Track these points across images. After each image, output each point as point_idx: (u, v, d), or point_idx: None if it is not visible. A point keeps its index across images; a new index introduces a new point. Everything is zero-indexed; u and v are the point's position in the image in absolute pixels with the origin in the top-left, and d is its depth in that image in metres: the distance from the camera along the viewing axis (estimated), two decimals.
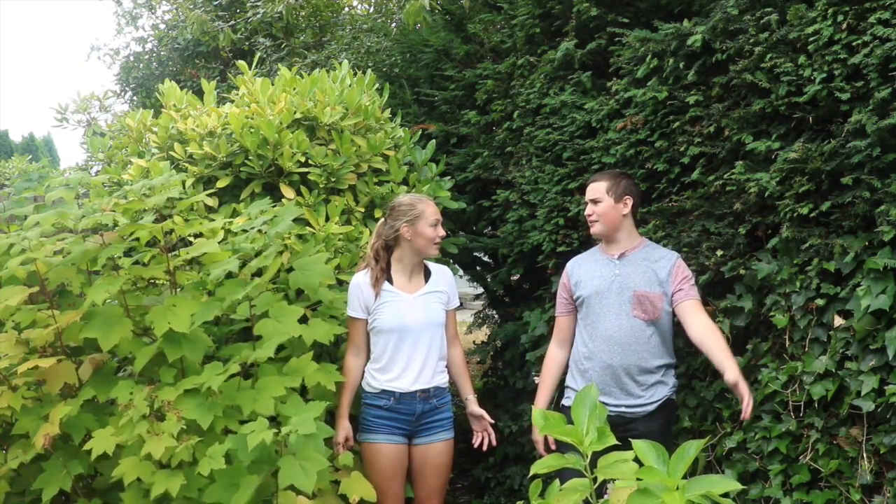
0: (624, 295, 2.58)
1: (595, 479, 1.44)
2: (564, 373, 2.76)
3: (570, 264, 2.79)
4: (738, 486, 1.30)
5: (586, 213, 2.68)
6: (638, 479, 1.36)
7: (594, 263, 2.70)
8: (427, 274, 2.74)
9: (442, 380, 2.70)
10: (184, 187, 3.01)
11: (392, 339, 2.61)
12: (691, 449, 1.35)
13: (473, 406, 2.77)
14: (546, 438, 2.66)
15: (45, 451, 2.20)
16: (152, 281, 2.71)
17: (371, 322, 2.64)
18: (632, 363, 2.55)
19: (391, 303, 2.62)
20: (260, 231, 2.54)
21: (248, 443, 2.07)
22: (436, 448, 2.67)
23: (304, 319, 2.77)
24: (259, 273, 2.55)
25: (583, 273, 2.70)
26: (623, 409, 2.54)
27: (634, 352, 2.55)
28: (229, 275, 2.42)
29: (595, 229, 2.66)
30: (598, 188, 2.64)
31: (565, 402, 2.73)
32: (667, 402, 2.61)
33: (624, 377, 2.56)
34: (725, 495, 1.33)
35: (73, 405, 2.23)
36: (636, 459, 1.42)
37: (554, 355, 2.78)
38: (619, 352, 2.55)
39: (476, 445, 2.77)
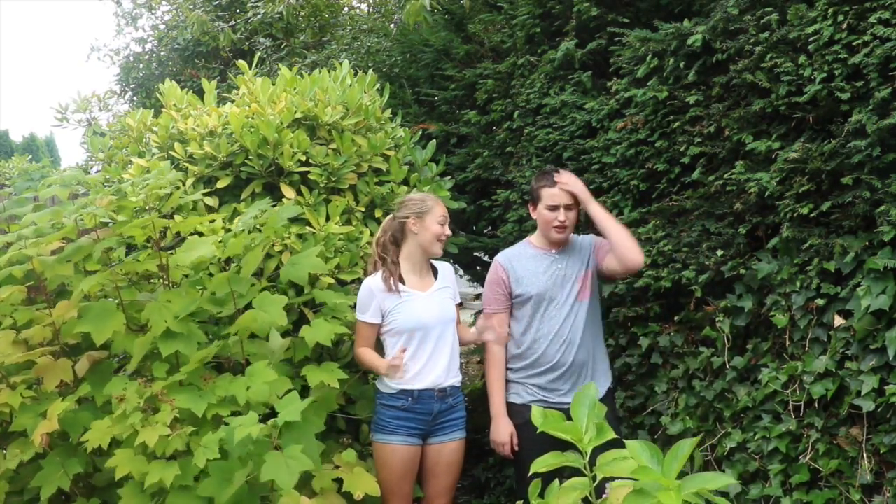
0: (567, 286, 2.62)
1: (594, 478, 1.44)
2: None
3: (503, 260, 2.71)
4: (732, 481, 1.31)
5: (560, 219, 2.58)
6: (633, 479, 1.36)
7: (532, 260, 2.67)
8: (434, 272, 2.75)
9: (457, 379, 2.70)
10: (183, 184, 3.01)
11: (415, 337, 2.61)
12: (685, 447, 1.35)
13: (475, 331, 2.72)
14: (512, 441, 2.65)
15: (44, 449, 2.20)
16: (148, 278, 2.70)
17: (388, 324, 2.63)
18: (583, 357, 2.60)
19: (406, 302, 2.62)
20: (256, 228, 2.55)
21: (235, 436, 2.05)
22: (449, 447, 2.67)
23: (304, 319, 2.77)
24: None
25: (522, 270, 2.67)
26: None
27: (584, 344, 2.60)
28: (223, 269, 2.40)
29: (564, 235, 2.63)
30: (570, 195, 2.59)
31: (514, 398, 2.69)
32: (609, 392, 2.69)
33: (575, 371, 2.60)
34: (723, 494, 1.34)
35: (70, 401, 2.23)
36: None
37: (498, 353, 2.72)
38: (569, 347, 2.59)
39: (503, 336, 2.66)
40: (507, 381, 2.71)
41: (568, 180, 2.60)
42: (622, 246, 2.53)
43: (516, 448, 2.65)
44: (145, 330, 2.41)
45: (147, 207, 2.45)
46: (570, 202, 2.59)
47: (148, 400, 2.18)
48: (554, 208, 2.59)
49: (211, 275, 2.67)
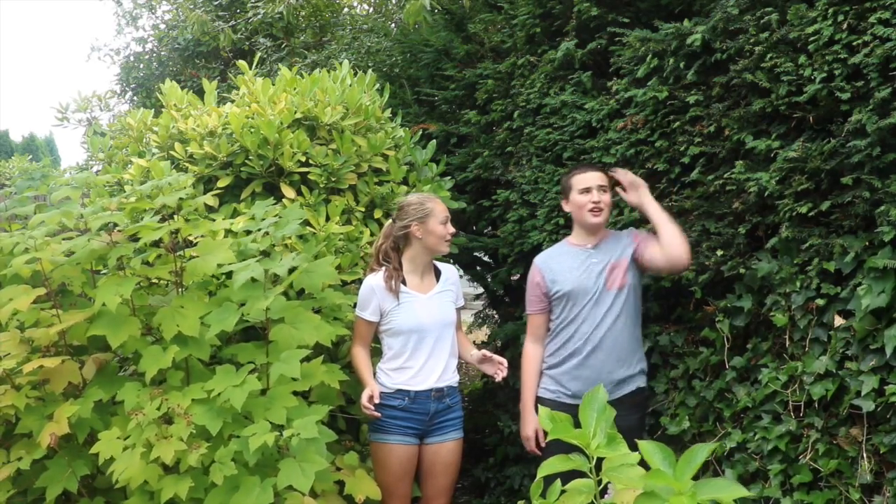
0: (602, 280, 2.63)
1: (600, 482, 1.43)
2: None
3: (540, 261, 2.76)
4: (747, 493, 1.27)
5: (594, 200, 2.61)
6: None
7: (568, 257, 2.70)
8: (437, 274, 2.75)
9: (454, 379, 2.71)
10: (193, 188, 3.02)
11: (411, 339, 2.62)
12: (700, 453, 1.33)
13: (479, 353, 2.72)
14: (537, 436, 2.66)
15: (51, 450, 2.20)
16: (155, 281, 2.71)
17: (386, 324, 2.64)
18: (617, 356, 2.61)
19: (407, 304, 2.62)
20: (266, 233, 2.54)
21: (250, 445, 2.07)
22: (446, 447, 2.67)
23: None
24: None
25: (558, 268, 2.69)
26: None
27: (619, 345, 2.61)
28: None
29: (601, 218, 2.64)
30: (602, 178, 2.65)
31: (543, 392, 2.72)
32: (642, 392, 2.70)
33: (611, 369, 2.61)
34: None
35: (80, 405, 2.23)
36: (641, 462, 1.42)
37: (532, 352, 2.77)
38: (603, 347, 2.60)
39: (500, 380, 2.68)
40: (542, 376, 2.74)
41: (623, 175, 2.68)
42: (673, 244, 2.53)
43: (542, 444, 2.65)
44: (154, 332, 2.40)
45: (153, 210, 2.45)
46: (602, 183, 2.62)
47: (163, 413, 2.18)
48: (586, 190, 2.63)
49: (215, 277, 2.66)
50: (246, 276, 2.22)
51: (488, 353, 2.68)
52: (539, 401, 2.69)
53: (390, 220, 2.75)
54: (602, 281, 2.62)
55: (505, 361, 2.68)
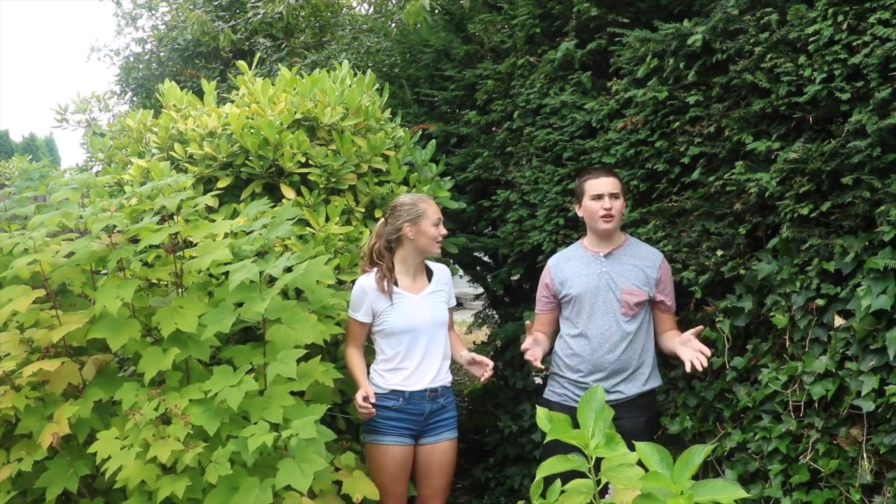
0: (612, 293, 2.62)
1: (599, 481, 1.43)
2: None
3: (552, 263, 2.78)
4: (745, 494, 1.27)
5: (606, 206, 2.61)
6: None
7: (579, 262, 2.71)
8: (429, 274, 2.75)
9: (448, 379, 2.71)
10: (193, 188, 3.01)
11: (404, 340, 2.62)
12: (698, 455, 1.32)
13: (468, 355, 2.71)
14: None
15: (52, 450, 2.19)
16: (155, 282, 2.70)
17: (378, 325, 2.64)
18: (621, 360, 2.61)
19: (398, 304, 2.62)
20: (259, 233, 2.54)
21: (249, 446, 2.07)
22: (441, 447, 2.67)
23: None
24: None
25: (568, 272, 2.70)
26: (610, 399, 2.56)
27: (623, 349, 2.60)
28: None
29: (611, 225, 2.64)
30: (616, 184, 2.64)
31: (550, 395, 2.73)
32: (652, 394, 2.69)
33: (614, 372, 2.61)
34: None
35: (80, 405, 2.22)
36: (640, 462, 1.41)
37: (540, 333, 2.78)
38: (609, 349, 2.60)
39: (484, 381, 2.67)
40: (552, 376, 2.76)
41: None
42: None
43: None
44: (154, 333, 2.40)
45: (152, 210, 2.44)
46: (614, 191, 2.62)
47: (160, 414, 2.18)
48: (598, 197, 2.63)
49: (212, 275, 2.67)
50: (241, 277, 2.22)
51: (476, 356, 2.69)
52: (545, 403, 2.69)
53: (382, 220, 2.75)
54: (617, 301, 2.61)
55: (491, 363, 2.66)
